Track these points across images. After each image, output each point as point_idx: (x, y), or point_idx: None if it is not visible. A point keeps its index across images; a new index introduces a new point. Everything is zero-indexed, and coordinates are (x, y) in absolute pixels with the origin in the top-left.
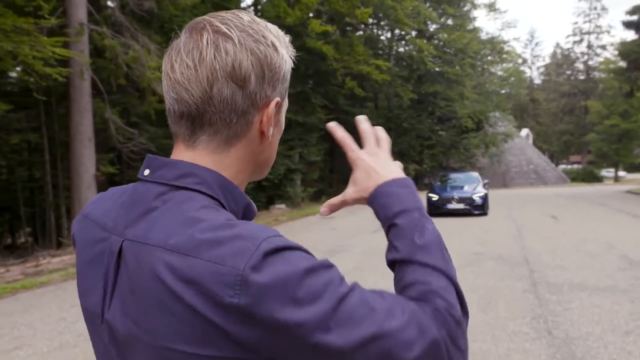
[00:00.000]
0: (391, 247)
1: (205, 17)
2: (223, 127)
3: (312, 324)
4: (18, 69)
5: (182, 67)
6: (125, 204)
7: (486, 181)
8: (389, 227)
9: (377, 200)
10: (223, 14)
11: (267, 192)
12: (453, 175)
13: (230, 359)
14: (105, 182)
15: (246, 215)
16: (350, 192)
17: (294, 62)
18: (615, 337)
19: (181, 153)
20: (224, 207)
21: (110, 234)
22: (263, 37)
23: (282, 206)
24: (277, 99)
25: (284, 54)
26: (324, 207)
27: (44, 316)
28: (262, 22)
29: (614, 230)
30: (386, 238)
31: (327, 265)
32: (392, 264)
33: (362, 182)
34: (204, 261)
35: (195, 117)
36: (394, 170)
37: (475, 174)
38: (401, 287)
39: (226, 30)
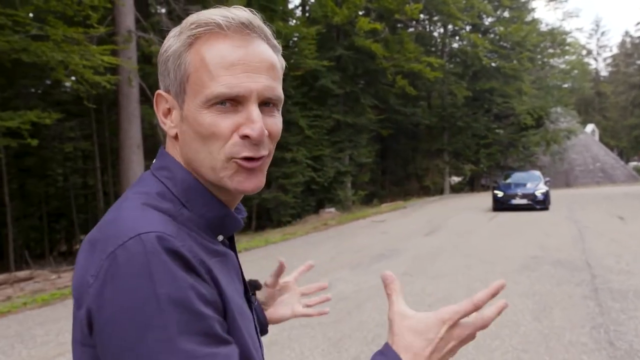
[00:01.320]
0: None
1: None
2: None
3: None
4: (73, 78)
5: None
6: None
7: (548, 179)
8: None
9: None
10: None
11: (316, 196)
12: (516, 174)
13: (81, 343)
14: None
15: (224, 227)
16: (396, 313)
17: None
18: None
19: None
20: (185, 207)
21: None
22: None
23: (332, 210)
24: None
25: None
26: (389, 275)
27: None
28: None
29: None
30: None
31: (189, 307)
32: None
33: (401, 334)
34: (99, 235)
35: None
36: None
37: (537, 173)
38: None
39: None
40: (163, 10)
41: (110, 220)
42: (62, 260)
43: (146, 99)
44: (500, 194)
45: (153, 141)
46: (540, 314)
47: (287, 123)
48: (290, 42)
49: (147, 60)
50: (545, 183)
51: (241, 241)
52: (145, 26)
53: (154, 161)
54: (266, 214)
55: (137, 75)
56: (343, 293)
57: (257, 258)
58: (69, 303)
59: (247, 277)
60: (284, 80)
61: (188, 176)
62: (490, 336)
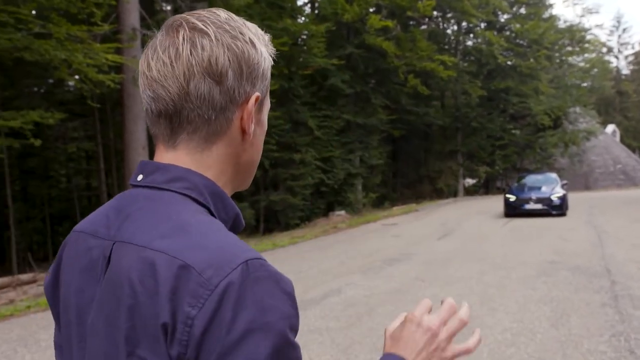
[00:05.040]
0: None
1: (182, 15)
2: (202, 124)
3: None
4: (76, 77)
5: (158, 64)
6: (115, 209)
7: (565, 182)
8: None
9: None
10: (200, 11)
11: (326, 199)
12: (531, 176)
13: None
14: None
15: (235, 226)
16: (389, 329)
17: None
18: None
19: (162, 155)
20: (212, 215)
21: (103, 239)
22: (240, 33)
23: (342, 213)
24: (257, 94)
25: (263, 51)
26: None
27: None
28: (240, 20)
29: None
30: None
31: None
32: None
33: (393, 338)
34: (182, 262)
35: (173, 114)
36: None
37: (554, 175)
38: None
39: (202, 27)
40: (169, 8)
41: (184, 250)
42: None
43: None
44: (512, 198)
45: None
46: (557, 321)
47: (295, 123)
48: (299, 40)
49: None
50: (563, 186)
51: (249, 244)
52: (151, 24)
53: (140, 178)
54: (274, 217)
55: None
56: (353, 298)
57: None
58: None
59: None
60: (292, 79)
61: (209, 182)
62: (505, 344)
